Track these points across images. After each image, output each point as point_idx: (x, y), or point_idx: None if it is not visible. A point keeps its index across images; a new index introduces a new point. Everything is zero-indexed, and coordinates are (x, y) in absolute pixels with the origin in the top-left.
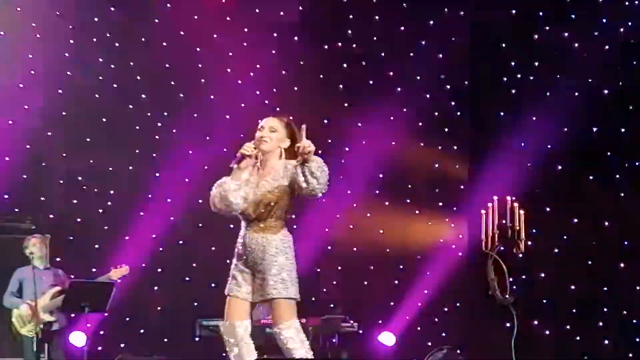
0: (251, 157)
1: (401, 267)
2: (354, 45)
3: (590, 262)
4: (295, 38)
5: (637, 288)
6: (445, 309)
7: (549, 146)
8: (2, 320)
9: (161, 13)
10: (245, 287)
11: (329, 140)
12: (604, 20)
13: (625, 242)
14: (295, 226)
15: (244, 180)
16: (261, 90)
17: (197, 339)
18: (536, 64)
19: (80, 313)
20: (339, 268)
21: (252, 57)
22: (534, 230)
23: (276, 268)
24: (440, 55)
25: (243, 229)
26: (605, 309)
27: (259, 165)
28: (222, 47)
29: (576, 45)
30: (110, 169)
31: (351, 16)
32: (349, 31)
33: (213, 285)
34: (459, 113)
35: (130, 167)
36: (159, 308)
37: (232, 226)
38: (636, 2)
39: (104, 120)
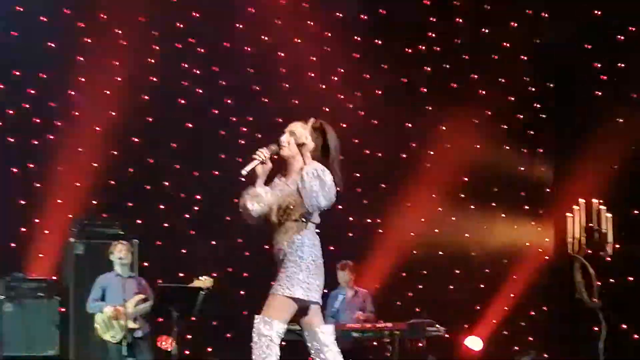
0: (264, 163)
1: (487, 270)
2: (437, 48)
3: None
4: (379, 42)
5: None
6: (532, 313)
7: (636, 148)
8: (88, 326)
9: (244, 18)
10: None
11: (413, 144)
12: None
13: None
14: (380, 230)
15: (269, 185)
16: (344, 94)
17: (283, 343)
18: (621, 64)
19: (168, 317)
20: (424, 272)
21: (335, 60)
22: (622, 233)
23: (287, 266)
24: (524, 57)
25: None
26: None
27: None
28: (305, 51)
29: None
30: (196, 174)
31: (433, 18)
32: (432, 34)
33: None
34: (543, 115)
35: (216, 172)
36: (245, 312)
37: (317, 231)
38: None
39: (190, 125)
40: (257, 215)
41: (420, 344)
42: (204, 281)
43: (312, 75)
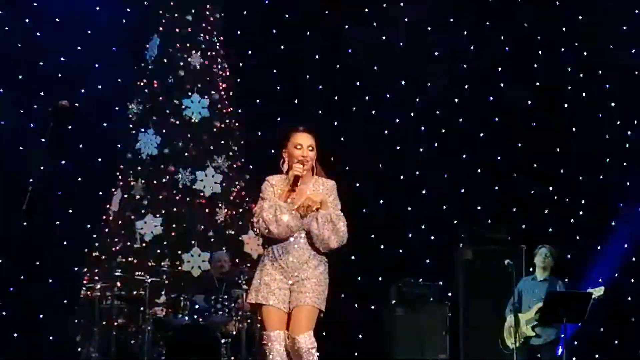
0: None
1: None
2: None
3: None
4: None
5: None
6: None
7: None
8: (477, 331)
9: None
10: None
11: None
12: None
13: None
14: None
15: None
16: None
17: None
18: None
19: (558, 323)
20: None
21: None
22: None
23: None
24: None
25: None
26: None
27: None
28: None
29: None
30: (580, 178)
31: None
32: None
33: None
34: None
35: (601, 176)
36: (632, 319)
37: None
38: None
39: (573, 130)
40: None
41: None
42: (596, 290)
43: None
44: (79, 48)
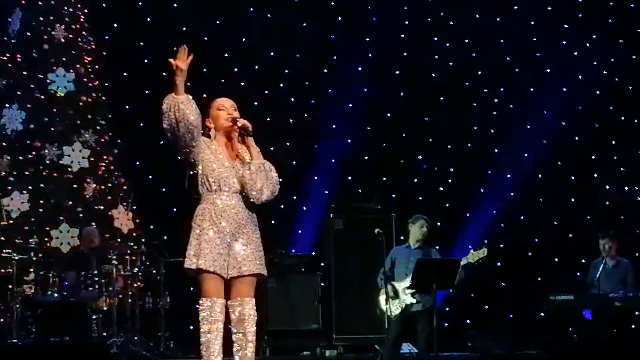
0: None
1: None
2: None
3: None
4: None
5: None
6: None
7: None
8: (349, 300)
9: None
10: None
11: None
12: None
13: None
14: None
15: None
16: None
17: (542, 314)
18: None
19: (427, 290)
20: None
21: None
22: None
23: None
24: None
25: None
26: None
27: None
28: None
29: None
30: (449, 147)
31: None
32: None
33: (556, 260)
34: None
35: (469, 145)
36: (502, 284)
37: (572, 200)
38: None
39: (441, 99)
40: None
41: None
42: (479, 252)
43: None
44: None
